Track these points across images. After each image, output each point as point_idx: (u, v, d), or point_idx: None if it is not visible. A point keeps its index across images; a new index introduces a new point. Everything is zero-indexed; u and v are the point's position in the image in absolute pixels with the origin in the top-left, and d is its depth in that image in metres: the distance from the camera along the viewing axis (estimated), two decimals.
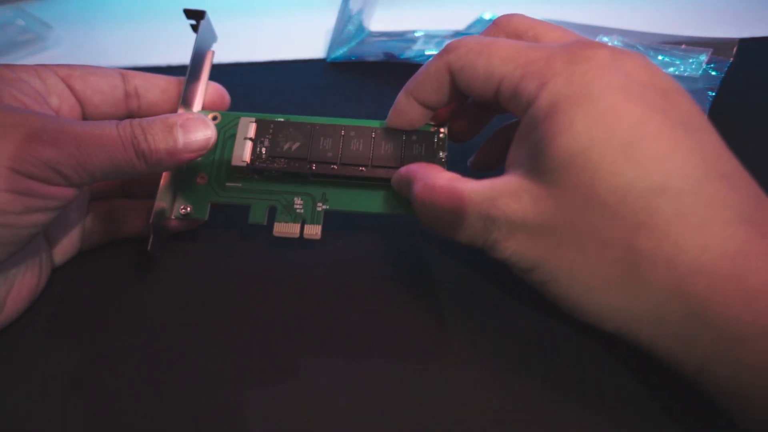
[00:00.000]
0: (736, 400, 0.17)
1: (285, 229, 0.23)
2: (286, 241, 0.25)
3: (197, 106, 0.25)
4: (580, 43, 0.19)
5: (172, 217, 0.24)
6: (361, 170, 0.23)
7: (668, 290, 0.16)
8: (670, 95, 0.18)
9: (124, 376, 0.21)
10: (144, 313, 0.23)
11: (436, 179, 0.20)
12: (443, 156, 0.23)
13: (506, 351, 0.21)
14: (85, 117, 0.24)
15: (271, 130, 0.24)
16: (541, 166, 0.18)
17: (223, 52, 0.39)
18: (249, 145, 0.23)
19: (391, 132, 0.24)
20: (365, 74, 0.36)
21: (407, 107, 0.23)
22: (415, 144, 0.23)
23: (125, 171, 0.20)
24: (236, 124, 0.24)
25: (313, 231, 0.23)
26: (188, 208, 0.24)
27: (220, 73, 0.37)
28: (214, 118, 0.25)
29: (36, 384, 0.21)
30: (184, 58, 0.38)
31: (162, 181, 0.23)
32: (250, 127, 0.24)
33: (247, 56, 0.39)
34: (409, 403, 0.20)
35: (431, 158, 0.23)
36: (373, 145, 0.23)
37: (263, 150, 0.23)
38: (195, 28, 0.26)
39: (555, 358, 0.21)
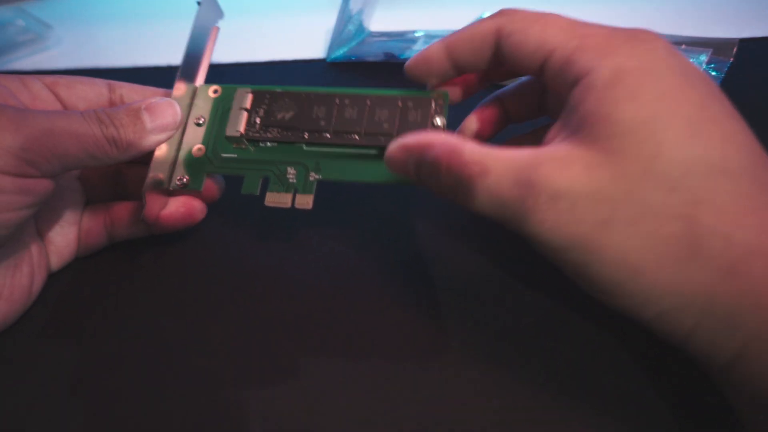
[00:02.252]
0: (764, 396, 0.16)
1: (276, 198, 0.23)
2: (285, 242, 0.25)
3: (199, 80, 0.25)
4: (640, 29, 0.19)
5: (170, 188, 0.23)
6: (354, 138, 0.23)
7: (723, 269, 0.16)
8: (718, 91, 0.18)
9: (124, 377, 0.21)
10: (144, 314, 0.23)
11: (464, 146, 0.18)
12: (441, 123, 0.22)
13: (507, 351, 0.21)
14: None
15: (266, 100, 0.24)
16: (599, 133, 0.17)
17: (224, 52, 0.39)
18: (244, 115, 0.23)
19: (386, 99, 0.23)
20: (365, 74, 0.36)
21: (436, 58, 0.22)
22: (411, 110, 0.23)
23: (98, 158, 0.20)
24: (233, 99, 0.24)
25: (305, 201, 0.23)
26: (185, 179, 0.23)
27: (221, 73, 0.37)
28: (215, 92, 0.25)
29: (36, 384, 0.21)
30: None
31: (156, 152, 0.23)
32: (246, 98, 0.24)
33: (247, 56, 0.39)
34: (409, 403, 0.20)
35: (428, 125, 0.22)
36: (367, 112, 0.23)
37: (257, 119, 0.23)
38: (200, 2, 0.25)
39: (556, 358, 0.21)
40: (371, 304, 0.23)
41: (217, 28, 0.27)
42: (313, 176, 0.23)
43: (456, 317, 0.22)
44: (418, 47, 0.37)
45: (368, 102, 0.23)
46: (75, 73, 0.39)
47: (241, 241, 0.26)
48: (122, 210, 0.25)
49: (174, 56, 0.39)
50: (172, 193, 0.24)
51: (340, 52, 0.37)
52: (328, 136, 0.23)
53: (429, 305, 0.23)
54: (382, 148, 0.22)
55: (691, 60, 0.33)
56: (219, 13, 0.27)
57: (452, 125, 0.24)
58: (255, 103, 0.24)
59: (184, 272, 0.25)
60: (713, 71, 0.32)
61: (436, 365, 0.21)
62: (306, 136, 0.23)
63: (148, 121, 0.22)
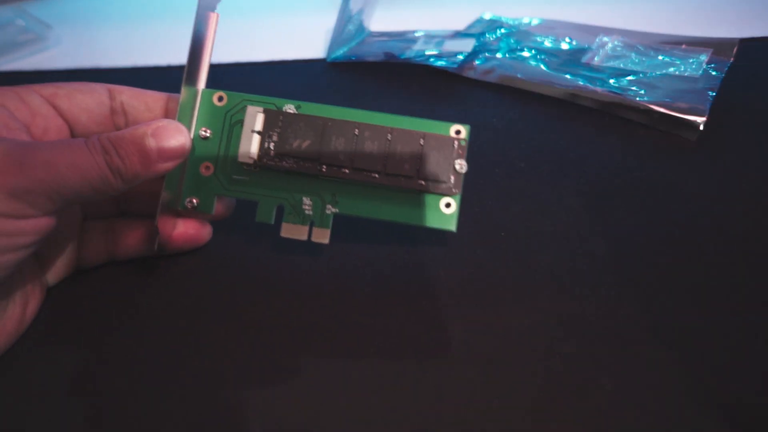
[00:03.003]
0: None
1: (293, 230, 0.22)
2: (286, 243, 0.25)
3: (202, 80, 0.24)
4: None
5: (179, 208, 0.23)
6: (374, 177, 0.22)
7: None
8: None
9: (124, 377, 0.21)
10: (144, 314, 0.23)
11: None
12: (461, 166, 0.22)
13: (506, 351, 0.21)
14: (73, 137, 0.22)
15: (280, 123, 0.23)
16: None
17: (224, 52, 0.39)
18: (257, 138, 0.23)
19: (407, 134, 0.22)
20: (365, 74, 0.36)
21: None
22: (433, 151, 0.22)
23: (101, 190, 0.19)
24: (242, 109, 0.23)
25: (322, 235, 0.22)
26: (194, 201, 0.23)
27: (221, 73, 0.37)
28: (220, 99, 0.24)
29: (36, 385, 0.21)
30: (182, 58, 0.38)
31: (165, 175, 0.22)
32: (258, 119, 0.23)
33: (247, 56, 0.39)
34: (409, 403, 0.20)
35: (449, 167, 0.22)
36: (387, 148, 0.22)
37: (271, 146, 0.22)
38: None
39: (555, 358, 0.21)
40: (371, 304, 0.23)
41: (217, 16, 0.24)
42: (330, 209, 0.22)
43: (456, 317, 0.22)
44: (418, 47, 0.37)
45: (389, 136, 0.22)
46: (75, 73, 0.39)
47: (239, 242, 0.26)
48: (126, 231, 0.24)
49: (174, 56, 0.39)
50: (180, 213, 0.23)
51: (340, 52, 0.37)
52: (346, 171, 0.22)
53: (429, 305, 0.23)
54: (402, 189, 0.22)
55: (691, 60, 0.33)
56: None
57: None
58: (267, 125, 0.23)
59: (183, 272, 0.25)
60: (713, 71, 0.32)
61: (437, 365, 0.21)
62: (324, 169, 0.22)
63: (155, 150, 0.20)
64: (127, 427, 0.20)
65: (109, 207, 0.25)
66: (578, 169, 0.28)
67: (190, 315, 0.23)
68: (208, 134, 0.23)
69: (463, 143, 0.22)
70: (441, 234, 0.25)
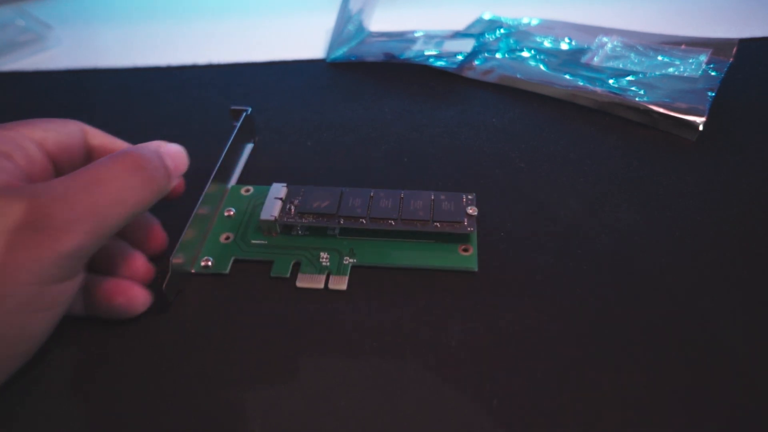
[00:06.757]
0: None
1: (309, 280, 0.23)
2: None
3: (231, 183, 0.27)
4: None
5: (192, 270, 0.24)
6: (390, 223, 0.24)
7: None
8: None
9: (124, 376, 0.21)
10: (143, 313, 0.23)
11: None
12: (474, 212, 0.24)
13: (506, 351, 0.21)
14: (56, 173, 0.21)
15: (301, 193, 0.25)
16: None
17: (224, 52, 0.39)
18: (278, 203, 0.24)
19: (419, 193, 0.25)
20: (365, 74, 0.36)
21: None
22: (444, 202, 0.24)
23: (157, 196, 0.20)
24: (266, 195, 0.25)
25: (339, 282, 0.23)
26: (209, 262, 0.24)
27: (221, 73, 0.37)
28: (247, 190, 0.27)
29: (35, 384, 0.21)
30: (182, 58, 0.39)
31: (184, 235, 0.22)
32: (281, 190, 0.25)
33: (247, 56, 0.39)
34: (409, 403, 0.20)
35: (460, 214, 0.24)
36: (401, 203, 0.24)
37: (292, 208, 0.24)
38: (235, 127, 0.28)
39: (555, 357, 0.21)
40: (371, 304, 0.23)
41: (253, 146, 0.30)
42: (348, 260, 0.24)
43: (456, 317, 0.22)
44: (418, 47, 0.37)
45: (402, 195, 0.25)
46: (75, 73, 0.39)
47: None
48: (94, 287, 0.22)
49: (173, 56, 0.39)
50: (192, 275, 0.24)
51: (339, 52, 0.37)
52: (363, 221, 0.24)
53: (429, 305, 0.23)
54: (418, 233, 0.24)
55: (691, 60, 0.33)
56: (253, 133, 0.30)
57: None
58: (289, 194, 0.25)
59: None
60: (713, 71, 0.32)
61: (436, 365, 0.21)
62: (341, 222, 0.24)
63: (170, 164, 0.21)
64: (126, 427, 0.20)
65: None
66: (578, 169, 0.28)
67: (189, 315, 0.23)
68: (231, 213, 0.26)
69: (471, 197, 0.25)
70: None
